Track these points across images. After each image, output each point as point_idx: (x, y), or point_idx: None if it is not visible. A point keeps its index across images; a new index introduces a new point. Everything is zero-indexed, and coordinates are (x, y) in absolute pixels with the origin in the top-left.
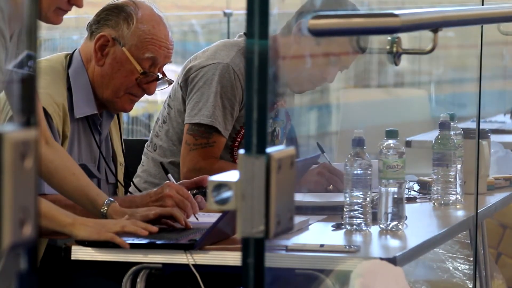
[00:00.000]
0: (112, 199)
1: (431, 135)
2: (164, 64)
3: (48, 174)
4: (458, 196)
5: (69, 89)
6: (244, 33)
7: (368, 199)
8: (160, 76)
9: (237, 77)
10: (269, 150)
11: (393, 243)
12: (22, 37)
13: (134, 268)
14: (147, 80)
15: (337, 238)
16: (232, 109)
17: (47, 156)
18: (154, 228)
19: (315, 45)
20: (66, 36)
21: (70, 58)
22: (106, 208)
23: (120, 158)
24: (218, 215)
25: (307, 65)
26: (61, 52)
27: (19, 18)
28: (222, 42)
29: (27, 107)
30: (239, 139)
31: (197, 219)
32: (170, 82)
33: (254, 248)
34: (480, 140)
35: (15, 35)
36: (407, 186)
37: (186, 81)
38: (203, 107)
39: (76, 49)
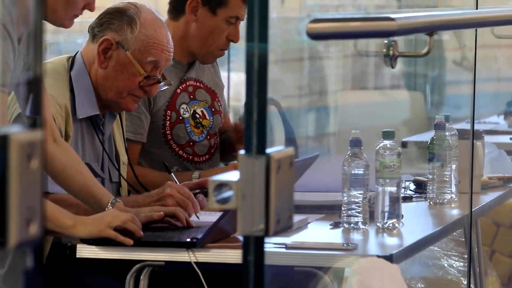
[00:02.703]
0: (117, 199)
1: (427, 136)
2: (165, 66)
3: (55, 172)
4: (453, 195)
5: (71, 90)
6: None
7: (365, 198)
8: (161, 78)
9: None
10: (268, 150)
11: (390, 241)
12: (30, 40)
13: (137, 265)
14: (149, 83)
15: (335, 236)
16: (139, 113)
17: (55, 155)
18: (141, 234)
19: (213, 15)
20: (71, 40)
21: (72, 60)
22: (111, 208)
23: (123, 157)
24: (219, 214)
25: (214, 35)
26: (64, 55)
27: (26, 21)
28: None
29: (33, 108)
30: (168, 131)
31: (197, 217)
32: (169, 84)
33: (254, 246)
34: (474, 141)
35: (24, 38)
36: (403, 186)
37: None
38: None
39: (78, 52)
